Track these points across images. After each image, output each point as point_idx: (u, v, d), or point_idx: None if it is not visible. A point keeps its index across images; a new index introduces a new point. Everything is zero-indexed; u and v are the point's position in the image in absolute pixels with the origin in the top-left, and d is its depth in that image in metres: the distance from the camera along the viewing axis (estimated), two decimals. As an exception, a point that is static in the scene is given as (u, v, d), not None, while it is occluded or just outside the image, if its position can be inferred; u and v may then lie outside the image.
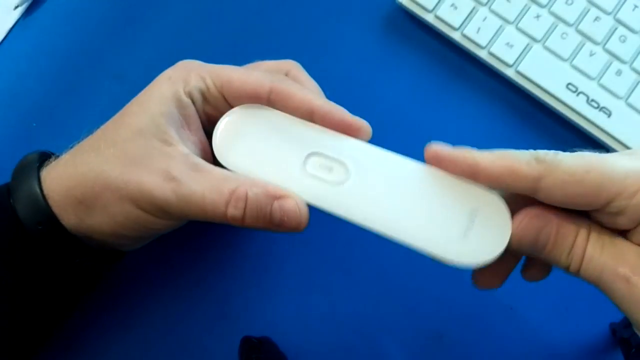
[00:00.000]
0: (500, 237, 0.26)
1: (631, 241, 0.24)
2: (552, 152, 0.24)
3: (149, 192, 0.26)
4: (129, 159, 0.27)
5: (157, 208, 0.27)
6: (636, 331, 0.24)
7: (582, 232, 0.24)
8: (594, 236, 0.24)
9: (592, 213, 0.25)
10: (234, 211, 0.26)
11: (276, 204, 0.27)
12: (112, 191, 0.27)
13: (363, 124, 0.28)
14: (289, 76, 0.30)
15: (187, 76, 0.28)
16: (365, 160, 0.27)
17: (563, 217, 0.25)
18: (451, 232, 0.26)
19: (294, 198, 0.27)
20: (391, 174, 0.27)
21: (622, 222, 0.24)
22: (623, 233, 0.25)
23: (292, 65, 0.31)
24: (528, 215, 0.25)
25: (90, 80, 0.39)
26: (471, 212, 0.26)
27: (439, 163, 0.26)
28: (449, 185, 0.26)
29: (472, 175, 0.25)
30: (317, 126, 0.28)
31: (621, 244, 0.24)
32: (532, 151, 0.25)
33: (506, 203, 0.26)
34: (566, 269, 0.25)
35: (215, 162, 0.28)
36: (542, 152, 0.24)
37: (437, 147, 0.26)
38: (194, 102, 0.29)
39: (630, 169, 0.23)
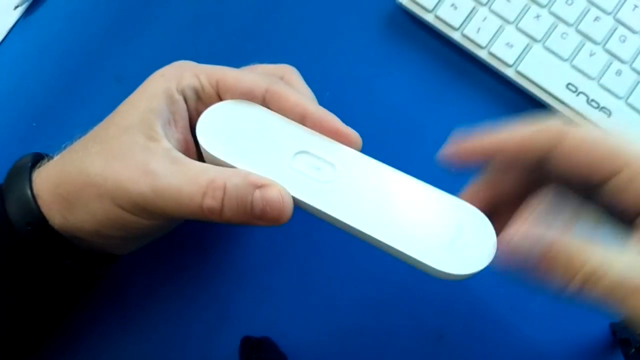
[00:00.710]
0: (484, 253, 0.26)
1: (637, 229, 0.23)
2: (559, 121, 0.24)
3: (125, 187, 0.26)
4: (111, 155, 0.26)
5: (134, 205, 0.26)
6: None
7: (578, 247, 0.22)
8: (593, 251, 0.22)
9: (595, 193, 0.24)
10: (211, 202, 0.25)
11: (257, 192, 0.25)
12: (92, 188, 0.26)
13: (353, 135, 0.27)
14: (283, 80, 0.30)
15: (181, 74, 0.28)
16: (354, 166, 0.27)
17: (556, 231, 0.23)
18: (436, 243, 0.26)
19: (276, 186, 0.25)
20: (380, 181, 0.27)
21: (624, 199, 0.23)
22: (630, 222, 0.24)
23: (287, 70, 0.31)
24: (523, 226, 0.24)
25: (90, 81, 0.39)
26: (457, 227, 0.26)
27: (454, 154, 0.26)
28: (435, 200, 0.27)
29: (489, 156, 0.25)
30: (308, 128, 0.28)
31: (623, 254, 0.22)
32: (541, 121, 0.25)
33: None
34: (563, 287, 0.23)
35: (199, 160, 0.28)
36: (552, 119, 0.24)
37: (453, 147, 0.26)
38: (186, 101, 0.28)
39: None
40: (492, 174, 0.28)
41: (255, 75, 0.28)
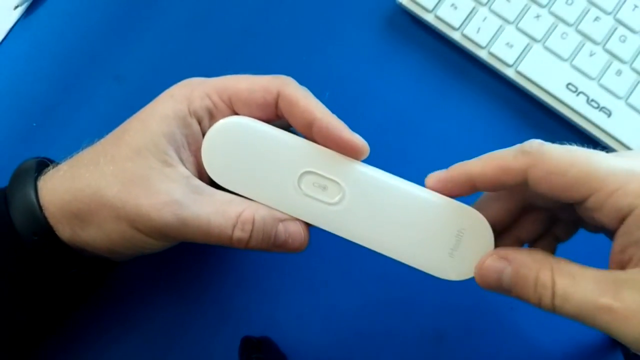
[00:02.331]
0: (483, 254, 0.27)
1: (616, 242, 0.24)
2: (537, 141, 0.25)
3: (147, 214, 0.26)
4: (127, 178, 0.26)
5: (154, 230, 0.26)
6: (634, 351, 0.24)
7: (544, 271, 0.24)
8: (560, 272, 0.24)
9: (575, 208, 0.26)
10: (240, 234, 0.27)
11: (281, 226, 0.27)
12: (108, 210, 0.26)
13: (359, 143, 0.27)
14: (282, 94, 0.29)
15: (191, 94, 0.28)
16: (358, 181, 0.27)
17: (524, 257, 0.25)
18: (439, 251, 0.28)
19: (297, 220, 0.28)
20: (384, 194, 0.28)
21: (600, 218, 0.24)
22: (609, 233, 0.25)
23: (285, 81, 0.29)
24: (490, 257, 0.26)
25: (90, 81, 0.39)
26: (458, 232, 0.27)
27: (442, 187, 0.27)
28: (439, 205, 0.27)
29: (471, 185, 0.27)
30: (306, 141, 0.28)
31: (591, 272, 0.24)
32: (517, 145, 0.26)
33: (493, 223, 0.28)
34: (538, 305, 0.25)
35: (211, 182, 0.28)
36: (527, 144, 0.25)
37: (434, 176, 0.28)
38: (200, 122, 0.28)
39: (613, 169, 0.24)
40: (489, 197, 0.29)
41: (265, 82, 0.28)
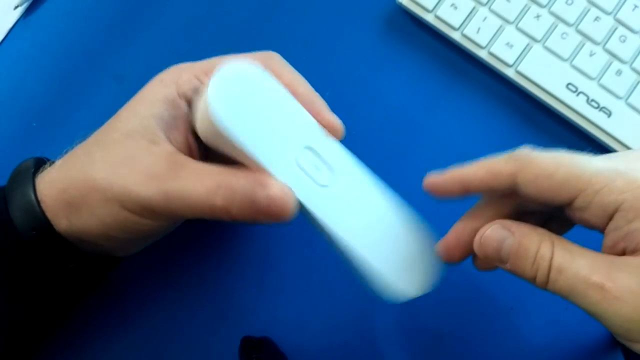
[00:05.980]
0: (427, 280, 0.28)
1: (607, 238, 0.25)
2: (527, 149, 0.26)
3: (132, 191, 0.26)
4: (116, 160, 0.27)
5: (142, 208, 0.26)
6: (618, 338, 0.25)
7: (546, 243, 0.25)
8: (559, 247, 0.25)
9: (565, 210, 0.26)
10: (221, 201, 0.26)
11: (262, 190, 0.26)
12: (98, 193, 0.27)
13: (336, 125, 0.28)
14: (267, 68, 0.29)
15: (179, 77, 0.28)
16: (348, 173, 0.28)
17: (527, 229, 0.26)
18: (397, 261, 0.28)
19: (279, 184, 0.26)
20: (363, 197, 0.28)
21: (589, 218, 0.25)
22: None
23: (272, 56, 0.30)
24: (494, 225, 0.27)
25: (90, 81, 0.39)
26: (422, 249, 0.28)
27: (437, 189, 0.28)
28: (401, 224, 0.29)
29: (464, 188, 0.28)
30: (315, 120, 0.28)
31: (588, 253, 0.24)
32: (508, 152, 0.27)
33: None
34: (532, 281, 0.25)
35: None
36: (516, 151, 0.26)
37: (431, 178, 0.28)
38: (189, 103, 0.28)
39: (598, 169, 0.24)
40: (487, 199, 0.30)
41: (251, 58, 0.29)
